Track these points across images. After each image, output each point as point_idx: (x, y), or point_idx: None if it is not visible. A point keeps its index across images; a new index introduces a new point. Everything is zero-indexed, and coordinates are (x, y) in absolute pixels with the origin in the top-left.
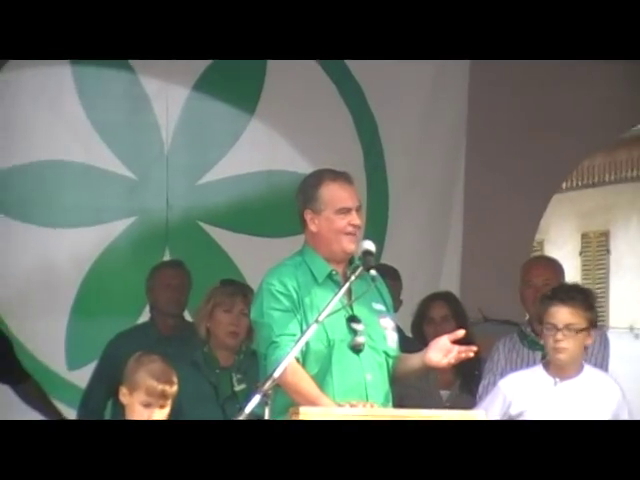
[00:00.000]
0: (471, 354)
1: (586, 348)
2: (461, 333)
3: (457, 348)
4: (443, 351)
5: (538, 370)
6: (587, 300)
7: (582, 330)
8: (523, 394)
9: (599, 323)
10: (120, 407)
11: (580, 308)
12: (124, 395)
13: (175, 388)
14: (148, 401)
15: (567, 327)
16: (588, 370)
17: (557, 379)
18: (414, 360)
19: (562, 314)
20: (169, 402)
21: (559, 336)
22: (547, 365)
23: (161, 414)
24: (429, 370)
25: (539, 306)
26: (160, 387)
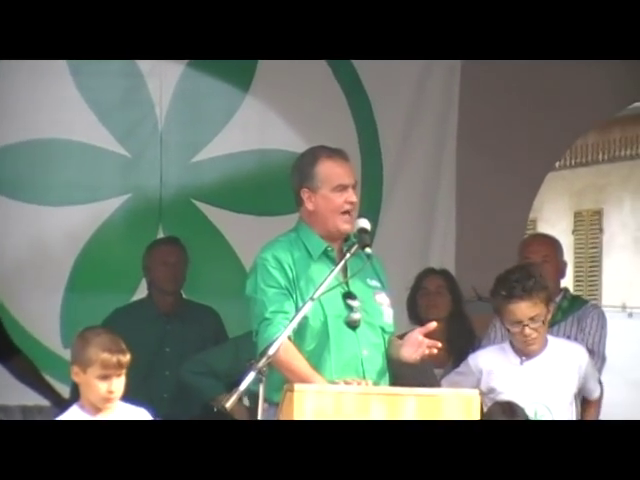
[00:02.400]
0: (435, 350)
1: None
2: (433, 325)
3: (425, 342)
4: (414, 346)
5: (506, 347)
6: (538, 284)
7: (545, 316)
8: (492, 371)
9: (594, 301)
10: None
11: (537, 297)
12: (77, 374)
13: (129, 355)
14: (105, 374)
15: (532, 320)
16: (552, 343)
17: (523, 357)
18: (395, 350)
19: (524, 309)
20: (124, 371)
21: (527, 331)
22: (513, 343)
23: (119, 382)
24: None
25: (493, 303)
26: (115, 358)
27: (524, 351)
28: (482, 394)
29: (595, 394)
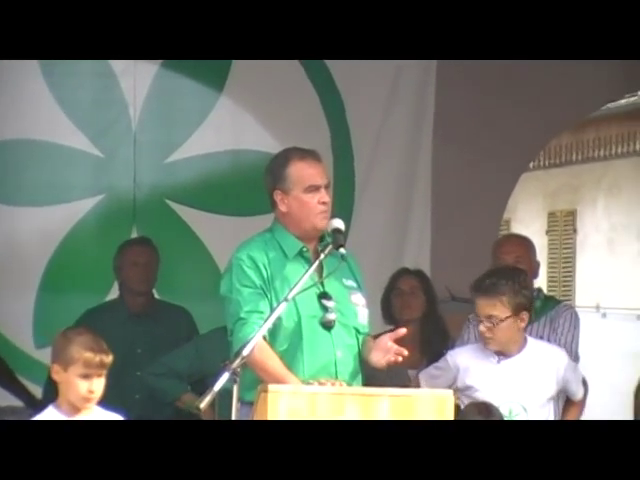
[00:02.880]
0: (400, 358)
1: (525, 328)
2: (402, 332)
3: (393, 349)
4: (382, 351)
5: (483, 346)
6: (511, 288)
7: (504, 319)
8: (469, 368)
9: (567, 301)
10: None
11: (501, 298)
12: (57, 372)
13: (111, 356)
14: (87, 372)
15: (488, 319)
16: (531, 344)
17: (500, 357)
18: (366, 353)
19: (482, 307)
20: (105, 372)
21: (482, 327)
22: None
23: (100, 383)
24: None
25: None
26: (97, 357)
27: (487, 347)
28: (458, 391)
29: (577, 396)
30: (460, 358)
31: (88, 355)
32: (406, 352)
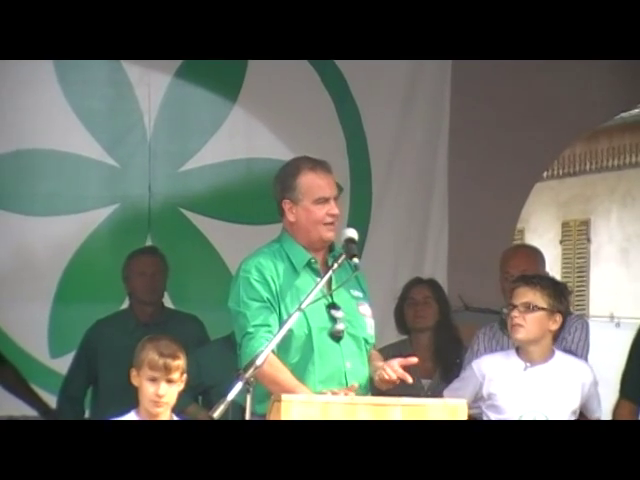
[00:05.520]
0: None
1: (555, 336)
2: (413, 360)
3: (394, 378)
4: (386, 382)
5: (511, 354)
6: (551, 287)
7: (539, 309)
8: (494, 376)
9: (579, 312)
10: (134, 389)
11: (542, 291)
12: (134, 377)
13: (180, 362)
14: (153, 375)
15: (523, 304)
16: (559, 356)
17: (527, 364)
18: (371, 370)
19: (521, 293)
20: (177, 377)
21: (514, 313)
22: (518, 350)
23: (170, 390)
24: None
25: (504, 296)
26: (162, 360)
27: (516, 342)
28: (482, 400)
29: (595, 415)
30: (485, 366)
31: (153, 357)
32: (410, 380)
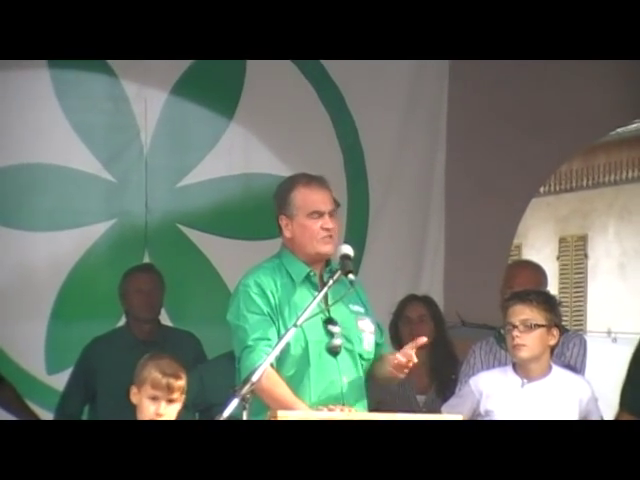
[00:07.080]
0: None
1: (552, 350)
2: (423, 340)
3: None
4: (402, 365)
5: (508, 370)
6: (546, 301)
7: (539, 326)
8: (492, 393)
9: (577, 327)
10: (131, 407)
11: (538, 307)
12: (134, 395)
13: (182, 383)
14: (154, 394)
15: (523, 323)
16: (557, 371)
17: (525, 380)
18: (384, 366)
19: (518, 311)
20: (177, 397)
21: (515, 332)
22: (515, 366)
23: (170, 409)
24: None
25: (502, 313)
26: (165, 380)
27: (516, 360)
28: (479, 416)
29: None
30: (483, 383)
31: (156, 376)
32: (415, 359)
